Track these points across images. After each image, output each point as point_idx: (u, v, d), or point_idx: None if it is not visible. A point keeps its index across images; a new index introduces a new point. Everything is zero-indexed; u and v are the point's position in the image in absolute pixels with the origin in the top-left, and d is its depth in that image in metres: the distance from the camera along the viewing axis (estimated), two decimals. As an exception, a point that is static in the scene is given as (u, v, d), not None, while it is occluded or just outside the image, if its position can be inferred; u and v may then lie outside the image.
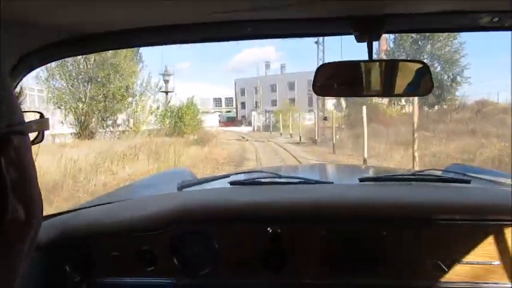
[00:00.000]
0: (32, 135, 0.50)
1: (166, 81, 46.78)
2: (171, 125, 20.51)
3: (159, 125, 20.54)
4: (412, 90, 1.23)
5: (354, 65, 1.25)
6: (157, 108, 20.76)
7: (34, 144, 0.54)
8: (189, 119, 21.09)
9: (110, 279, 1.32)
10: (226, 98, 58.28)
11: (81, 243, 1.32)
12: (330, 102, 35.96)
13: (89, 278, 1.31)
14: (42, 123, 0.48)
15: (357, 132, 14.28)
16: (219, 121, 50.25)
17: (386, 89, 1.22)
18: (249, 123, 41.27)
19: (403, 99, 22.48)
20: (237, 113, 54.19)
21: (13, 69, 1.05)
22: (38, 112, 0.66)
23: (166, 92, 46.35)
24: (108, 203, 1.53)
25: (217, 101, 59.87)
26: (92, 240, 1.33)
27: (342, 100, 25.91)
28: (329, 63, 1.25)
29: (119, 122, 18.66)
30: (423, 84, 1.19)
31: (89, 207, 1.54)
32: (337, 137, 16.03)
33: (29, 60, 1.04)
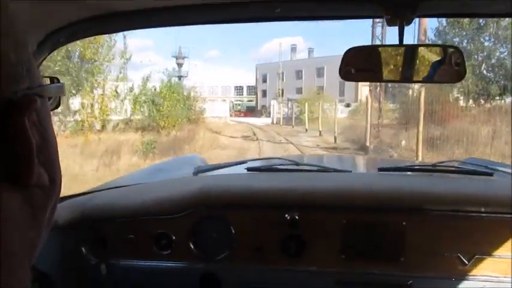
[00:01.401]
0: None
1: (179, 65, 45.45)
2: (143, 114, 15.78)
3: (135, 115, 15.79)
4: (444, 76, 1.22)
5: (383, 49, 1.26)
6: (131, 90, 15.24)
7: (52, 110, 0.56)
8: (168, 106, 15.83)
9: (125, 261, 1.40)
10: (248, 86, 56.55)
11: (96, 225, 1.40)
12: (365, 90, 33.42)
13: (105, 260, 1.39)
14: (59, 88, 0.50)
15: (435, 134, 10.38)
16: (239, 110, 49.53)
17: (417, 74, 1.24)
18: (269, 114, 37.53)
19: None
20: (257, 102, 51.67)
21: (39, 46, 1.10)
22: (55, 78, 0.67)
23: (180, 77, 44.72)
24: (123, 186, 1.58)
25: (239, 89, 58.52)
26: (107, 223, 1.41)
27: (389, 87, 21.58)
28: (358, 47, 1.28)
29: (74, 106, 13.08)
30: (456, 70, 1.20)
31: (104, 189, 1.60)
32: (403, 141, 11.79)
33: (55, 37, 1.10)
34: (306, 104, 24.70)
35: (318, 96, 30.03)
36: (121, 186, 1.61)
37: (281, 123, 29.64)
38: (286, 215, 1.31)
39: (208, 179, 1.63)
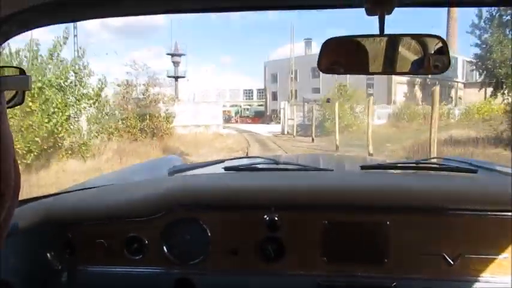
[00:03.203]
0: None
1: (175, 64, 42.52)
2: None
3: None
4: (428, 67, 1.23)
5: (363, 40, 1.27)
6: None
7: (12, 106, 0.53)
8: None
9: (94, 267, 1.44)
10: (258, 90, 54.24)
11: (63, 228, 1.43)
12: (400, 90, 32.47)
13: (71, 266, 1.37)
14: (21, 81, 0.49)
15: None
16: (247, 116, 48.17)
17: (399, 66, 1.24)
18: (280, 120, 32.41)
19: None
20: (266, 105, 49.06)
21: None
22: (18, 68, 0.64)
23: (176, 78, 42.38)
24: (93, 187, 1.59)
25: (248, 93, 56.66)
26: (74, 226, 1.44)
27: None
28: (336, 38, 1.30)
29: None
30: (440, 61, 1.20)
31: (72, 191, 1.62)
32: None
33: (5, 26, 1.09)
34: (337, 105, 18.01)
35: (352, 93, 24.43)
36: (90, 188, 1.63)
37: (294, 133, 24.12)
38: (265, 216, 1.34)
39: (183, 179, 1.66)
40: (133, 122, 14.68)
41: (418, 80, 32.59)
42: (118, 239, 1.41)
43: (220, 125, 26.40)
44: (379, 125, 18.75)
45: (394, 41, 1.26)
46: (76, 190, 1.71)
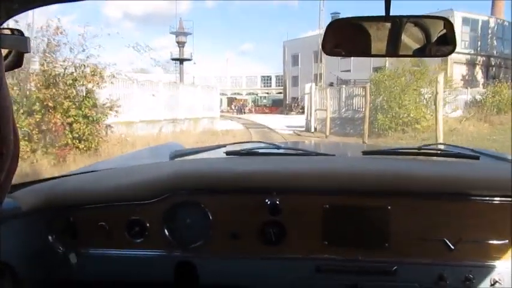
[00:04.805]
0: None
1: (180, 44, 38.96)
2: None
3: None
4: (434, 49, 1.27)
5: (369, 22, 1.31)
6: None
7: (10, 69, 0.54)
8: None
9: (96, 250, 1.53)
10: (277, 77, 51.28)
11: (65, 211, 1.53)
12: (458, 72, 25.23)
13: (73, 249, 1.52)
14: (18, 42, 0.50)
15: None
16: (264, 105, 46.05)
17: (405, 48, 1.29)
18: (302, 110, 26.99)
19: None
20: (285, 92, 45.26)
21: None
22: (16, 30, 0.62)
23: (181, 60, 38.75)
24: (94, 171, 1.67)
25: (266, 80, 54.21)
26: (76, 209, 1.53)
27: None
28: (342, 19, 1.37)
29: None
30: (447, 42, 1.24)
31: (74, 174, 1.69)
32: None
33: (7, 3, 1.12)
34: (368, 88, 14.34)
35: (415, 73, 16.51)
36: (92, 171, 1.72)
37: (327, 132, 16.94)
38: (266, 200, 1.41)
39: (185, 163, 1.74)
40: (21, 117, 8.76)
41: (480, 59, 29.03)
42: (119, 222, 1.51)
43: (216, 118, 20.77)
44: (455, 118, 14.01)
45: (398, 23, 1.30)
46: (77, 174, 1.83)
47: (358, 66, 28.79)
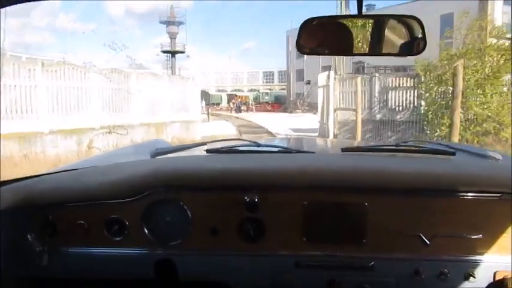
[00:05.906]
0: None
1: (171, 35, 37.65)
2: None
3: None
4: (404, 48, 1.32)
5: (342, 21, 1.37)
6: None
7: None
8: None
9: (75, 248, 1.59)
10: (280, 72, 50.38)
11: (44, 210, 1.59)
12: None
13: (52, 247, 1.58)
14: None
15: None
16: (266, 102, 44.22)
17: (376, 47, 1.36)
18: (308, 108, 24.38)
19: None
20: (288, 88, 43.05)
21: None
22: None
23: (173, 53, 37.59)
24: (74, 169, 1.71)
25: (269, 76, 53.81)
26: (55, 207, 1.60)
27: None
28: (315, 18, 1.43)
29: None
30: (416, 42, 1.30)
31: (53, 173, 1.75)
32: None
33: None
34: (359, 81, 11.60)
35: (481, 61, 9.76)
36: (71, 170, 1.76)
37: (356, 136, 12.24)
38: (246, 197, 1.49)
39: (165, 161, 1.79)
40: None
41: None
42: (99, 221, 1.57)
43: (194, 122, 15.81)
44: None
45: (372, 21, 1.36)
46: (57, 172, 1.89)
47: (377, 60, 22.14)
